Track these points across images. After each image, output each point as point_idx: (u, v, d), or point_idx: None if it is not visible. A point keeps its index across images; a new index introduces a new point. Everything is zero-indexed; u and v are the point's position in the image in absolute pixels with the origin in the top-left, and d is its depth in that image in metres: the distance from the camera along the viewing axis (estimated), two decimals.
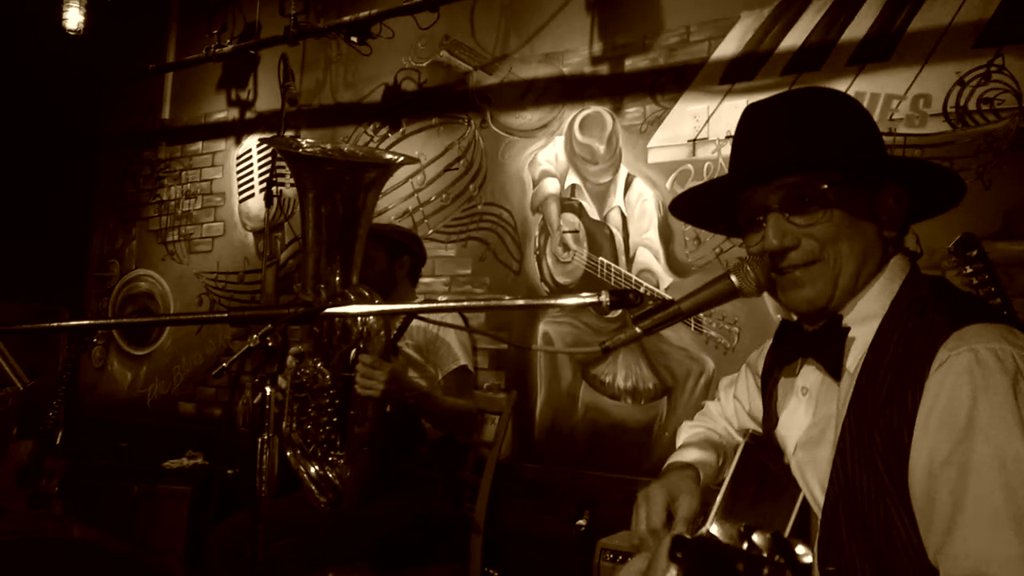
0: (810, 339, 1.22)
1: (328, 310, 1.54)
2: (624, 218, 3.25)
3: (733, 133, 1.28)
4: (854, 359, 1.15)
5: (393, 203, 3.85)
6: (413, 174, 3.81)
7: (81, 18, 4.23)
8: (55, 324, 1.66)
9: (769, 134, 1.21)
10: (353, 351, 2.24)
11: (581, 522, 2.91)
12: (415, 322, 2.69)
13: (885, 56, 2.76)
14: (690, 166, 3.11)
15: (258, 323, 1.44)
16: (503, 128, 3.60)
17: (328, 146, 2.62)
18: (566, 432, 3.31)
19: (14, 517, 3.20)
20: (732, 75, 3.05)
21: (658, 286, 3.15)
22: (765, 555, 0.54)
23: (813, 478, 1.18)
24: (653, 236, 3.18)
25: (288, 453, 2.28)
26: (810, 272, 1.16)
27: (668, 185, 3.15)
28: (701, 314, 2.98)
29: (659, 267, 3.16)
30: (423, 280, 3.41)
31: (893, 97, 2.73)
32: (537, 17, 3.55)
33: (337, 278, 2.24)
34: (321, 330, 2.29)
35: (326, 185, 2.23)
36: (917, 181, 1.20)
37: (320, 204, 2.24)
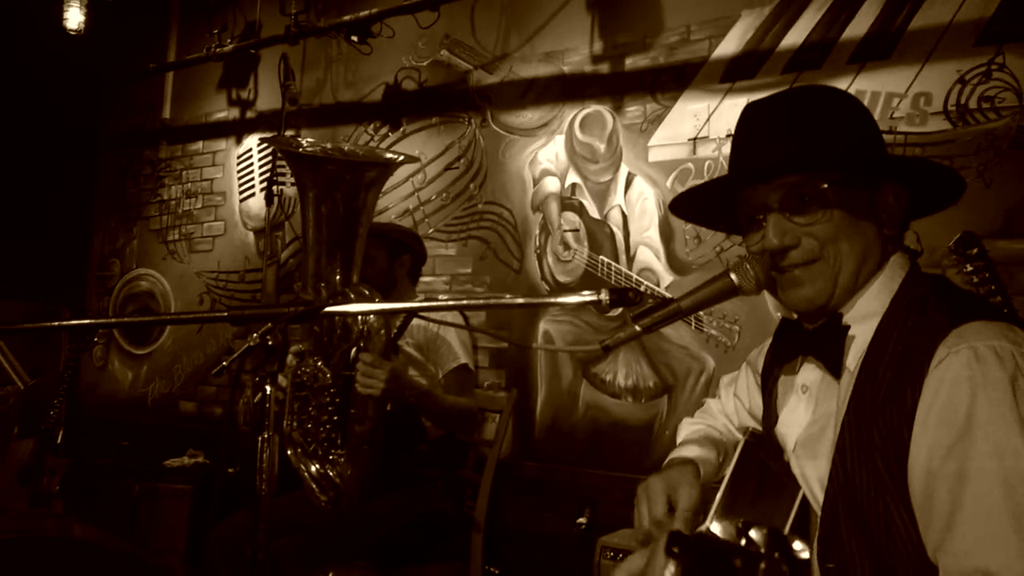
0: (810, 337, 1.22)
1: (328, 309, 1.54)
2: (625, 217, 3.25)
3: (733, 132, 1.28)
4: (854, 357, 1.15)
5: (394, 202, 3.86)
6: (413, 173, 3.81)
7: (82, 18, 4.23)
8: (56, 323, 1.66)
9: (769, 132, 1.21)
10: (353, 350, 2.25)
11: (581, 520, 2.92)
12: (415, 321, 2.69)
13: (886, 54, 2.76)
14: (691, 165, 3.11)
15: (258, 322, 1.44)
16: (503, 127, 3.60)
17: (328, 145, 2.62)
18: (567, 430, 3.31)
19: (15, 516, 3.20)
20: (733, 74, 3.05)
21: (659, 284, 3.15)
22: (763, 551, 0.54)
23: (813, 476, 1.18)
24: (654, 235, 3.18)
25: (289, 452, 2.28)
26: (810, 271, 1.16)
27: (668, 184, 3.15)
28: (702, 313, 2.99)
29: (660, 266, 3.16)
30: (424, 279, 3.41)
31: (894, 95, 2.73)
32: (537, 16, 3.54)
33: (337, 277, 2.24)
34: (321, 329, 2.29)
35: (326, 184, 2.23)
36: (917, 179, 1.20)
37: (320, 203, 2.24)
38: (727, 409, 1.59)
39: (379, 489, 2.37)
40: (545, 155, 3.47)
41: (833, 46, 2.86)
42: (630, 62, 3.30)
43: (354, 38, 3.66)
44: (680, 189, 3.01)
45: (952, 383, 1.00)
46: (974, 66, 2.60)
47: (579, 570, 2.77)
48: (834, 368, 1.16)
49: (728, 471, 1.27)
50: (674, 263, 3.13)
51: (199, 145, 4.69)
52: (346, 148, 2.96)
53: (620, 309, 3.10)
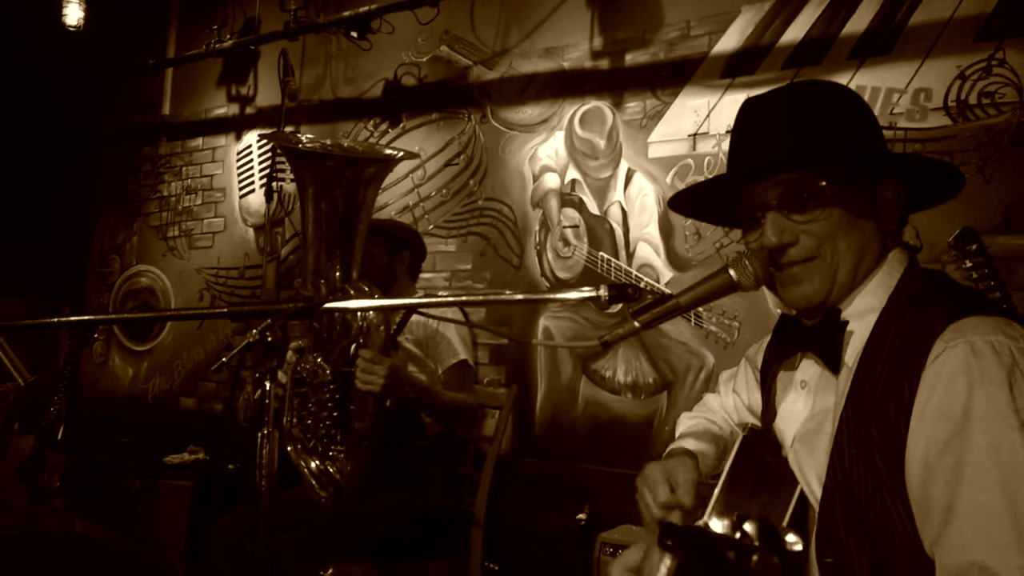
0: (809, 333, 1.22)
1: (328, 305, 1.54)
2: (624, 213, 3.25)
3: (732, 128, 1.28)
4: (852, 352, 1.15)
5: (393, 198, 3.85)
6: (413, 169, 3.80)
7: (81, 14, 4.23)
8: (56, 320, 1.65)
9: (768, 129, 1.21)
10: (353, 346, 2.25)
11: (581, 516, 2.92)
12: (415, 317, 2.69)
13: (886, 50, 2.75)
14: (690, 161, 3.10)
15: (258, 318, 1.44)
16: (503, 123, 3.60)
17: (328, 141, 2.61)
18: (566, 427, 3.31)
19: (16, 512, 3.20)
20: (733, 69, 3.05)
21: (658, 281, 3.15)
22: (756, 543, 0.54)
23: (811, 471, 1.18)
24: (653, 231, 3.18)
25: (288, 448, 2.29)
26: (808, 268, 1.16)
27: (668, 180, 3.15)
28: (701, 309, 2.99)
29: (659, 262, 3.16)
30: (423, 275, 3.41)
31: (894, 91, 2.72)
32: (537, 12, 3.54)
33: (337, 273, 2.24)
34: (321, 325, 2.29)
35: (326, 181, 2.23)
36: (916, 174, 1.20)
37: (320, 200, 2.24)
38: (726, 405, 1.59)
39: (379, 485, 2.38)
40: (545, 151, 3.47)
41: (833, 42, 2.85)
42: (630, 58, 3.29)
43: (353, 34, 3.66)
44: (680, 185, 3.02)
45: (949, 378, 1.01)
46: (974, 62, 2.59)
47: (579, 566, 2.77)
48: (832, 364, 1.16)
49: (726, 466, 1.27)
50: (674, 259, 3.13)
51: (199, 141, 4.69)
52: (345, 144, 2.96)
53: (620, 305, 3.11)
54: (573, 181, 3.38)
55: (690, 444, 1.42)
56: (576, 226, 3.36)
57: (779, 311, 1.37)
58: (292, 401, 2.30)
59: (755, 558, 0.52)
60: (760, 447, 1.29)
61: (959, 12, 2.63)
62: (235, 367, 1.42)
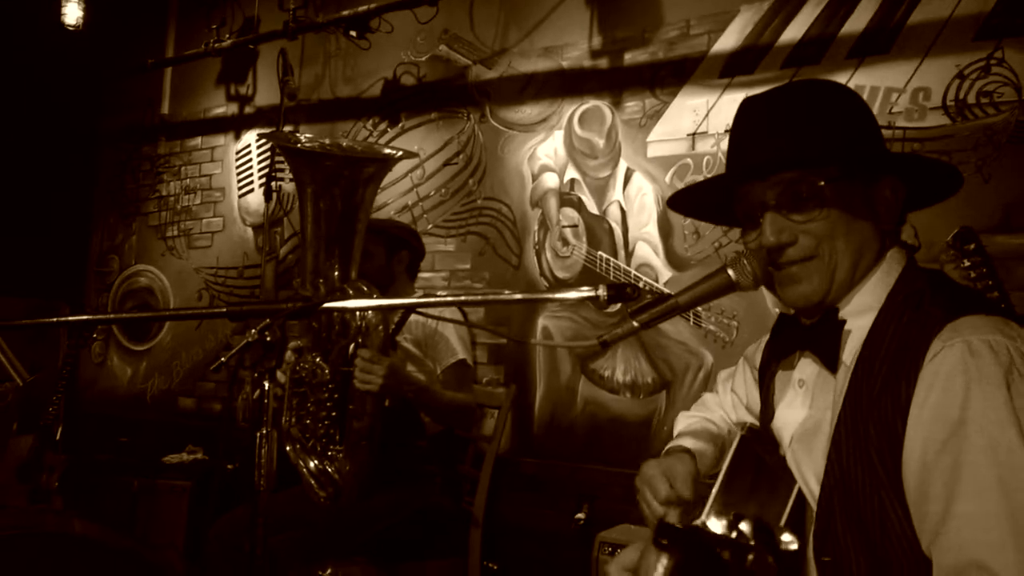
0: (807, 332, 1.23)
1: (326, 305, 1.54)
2: (623, 212, 3.25)
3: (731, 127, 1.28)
4: (850, 352, 1.15)
5: (392, 198, 3.85)
6: (412, 169, 3.80)
7: (80, 13, 4.23)
8: (55, 319, 1.65)
9: (766, 128, 1.21)
10: (352, 346, 2.25)
11: (580, 516, 2.92)
12: (414, 316, 2.69)
13: (885, 49, 2.75)
14: (689, 160, 3.10)
15: (257, 318, 1.44)
16: (502, 122, 3.59)
17: (327, 141, 2.62)
18: (565, 426, 3.31)
19: (14, 512, 3.20)
20: (732, 69, 3.05)
21: (657, 280, 3.15)
22: (752, 543, 0.54)
23: (809, 470, 1.18)
24: (652, 230, 3.18)
25: (287, 448, 2.29)
26: (806, 268, 1.16)
27: (667, 179, 3.15)
28: (700, 308, 2.99)
29: (658, 261, 3.16)
30: (422, 275, 3.41)
31: (893, 90, 2.72)
32: (536, 11, 3.54)
33: (336, 273, 2.24)
34: (320, 325, 2.29)
35: (325, 180, 2.23)
36: (914, 173, 1.20)
37: (319, 199, 2.24)
38: (724, 404, 1.59)
39: (377, 485, 2.37)
40: (544, 151, 3.46)
41: (832, 41, 2.86)
42: (629, 57, 3.29)
43: (352, 33, 3.66)
44: (679, 185, 3.02)
45: (947, 377, 1.01)
46: (973, 61, 2.59)
47: (577, 566, 2.77)
48: (830, 363, 1.16)
49: (724, 465, 1.27)
50: (673, 259, 3.13)
51: (198, 141, 4.68)
52: (344, 144, 2.96)
53: (618, 305, 3.11)
54: (572, 180, 3.38)
55: (688, 443, 1.42)
56: (575, 225, 3.36)
57: (778, 310, 1.37)
58: (291, 401, 2.30)
59: (750, 557, 0.52)
60: (758, 446, 1.29)
61: (958, 11, 2.63)
62: (234, 367, 1.42)
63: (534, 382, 3.39)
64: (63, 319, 1.62)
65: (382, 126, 3.96)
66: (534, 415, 3.37)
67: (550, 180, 3.44)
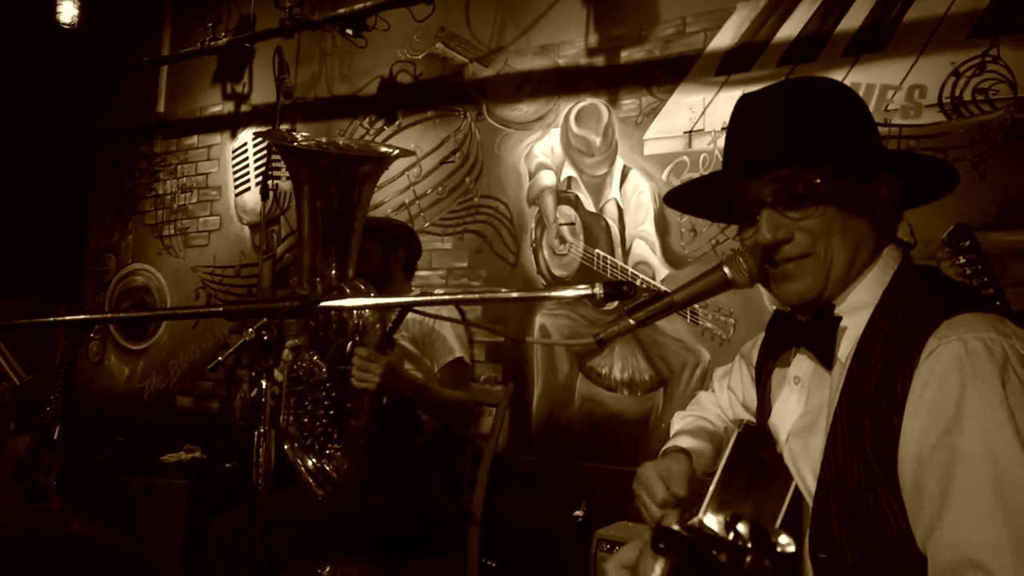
0: (803, 329, 1.23)
1: (324, 303, 1.55)
2: (620, 210, 3.26)
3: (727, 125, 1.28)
4: (846, 349, 1.15)
5: (389, 196, 3.85)
6: (409, 167, 3.80)
7: (75, 11, 4.22)
8: (52, 319, 1.65)
9: (763, 125, 1.21)
10: (349, 344, 2.25)
11: (578, 513, 2.92)
12: (411, 315, 2.69)
13: (880, 47, 2.76)
14: (686, 158, 3.11)
15: (254, 317, 1.44)
16: (499, 120, 3.59)
17: (323, 139, 2.61)
18: (563, 424, 3.31)
19: (12, 512, 3.20)
20: (728, 66, 3.05)
21: (654, 278, 3.15)
22: (749, 545, 0.55)
23: (805, 467, 1.19)
24: (649, 228, 3.19)
25: (285, 446, 2.29)
26: (802, 266, 1.17)
27: (664, 177, 3.15)
28: (697, 305, 2.99)
29: (655, 259, 3.16)
30: (420, 273, 3.41)
31: (888, 88, 2.73)
32: (533, 9, 3.54)
33: (333, 271, 2.24)
34: (317, 323, 2.29)
35: (321, 178, 2.23)
36: (910, 170, 1.20)
37: (316, 198, 2.23)
38: (721, 402, 1.59)
39: (375, 483, 2.37)
40: (541, 148, 3.47)
41: (828, 38, 2.86)
42: (625, 55, 3.29)
43: (349, 31, 3.65)
44: (676, 182, 3.02)
45: (942, 374, 1.01)
46: (968, 58, 2.60)
47: (575, 563, 2.78)
48: (826, 359, 1.17)
49: (721, 463, 1.27)
50: (669, 256, 3.13)
51: (194, 139, 4.68)
52: (341, 142, 2.95)
53: (615, 303, 3.11)
54: (569, 178, 3.38)
55: (685, 442, 1.42)
56: (572, 223, 3.36)
57: (774, 308, 1.37)
58: (288, 399, 2.30)
59: (748, 560, 0.53)
60: (755, 443, 1.30)
61: (953, 9, 2.64)
62: (231, 366, 1.42)
63: (532, 380, 3.39)
64: (60, 319, 1.62)
65: (379, 124, 3.96)
66: (532, 413, 3.38)
67: (547, 178, 3.44)
